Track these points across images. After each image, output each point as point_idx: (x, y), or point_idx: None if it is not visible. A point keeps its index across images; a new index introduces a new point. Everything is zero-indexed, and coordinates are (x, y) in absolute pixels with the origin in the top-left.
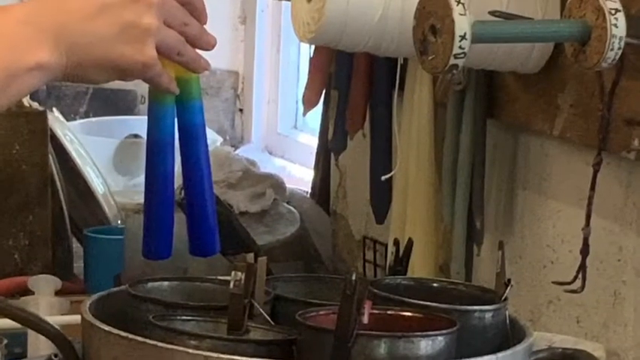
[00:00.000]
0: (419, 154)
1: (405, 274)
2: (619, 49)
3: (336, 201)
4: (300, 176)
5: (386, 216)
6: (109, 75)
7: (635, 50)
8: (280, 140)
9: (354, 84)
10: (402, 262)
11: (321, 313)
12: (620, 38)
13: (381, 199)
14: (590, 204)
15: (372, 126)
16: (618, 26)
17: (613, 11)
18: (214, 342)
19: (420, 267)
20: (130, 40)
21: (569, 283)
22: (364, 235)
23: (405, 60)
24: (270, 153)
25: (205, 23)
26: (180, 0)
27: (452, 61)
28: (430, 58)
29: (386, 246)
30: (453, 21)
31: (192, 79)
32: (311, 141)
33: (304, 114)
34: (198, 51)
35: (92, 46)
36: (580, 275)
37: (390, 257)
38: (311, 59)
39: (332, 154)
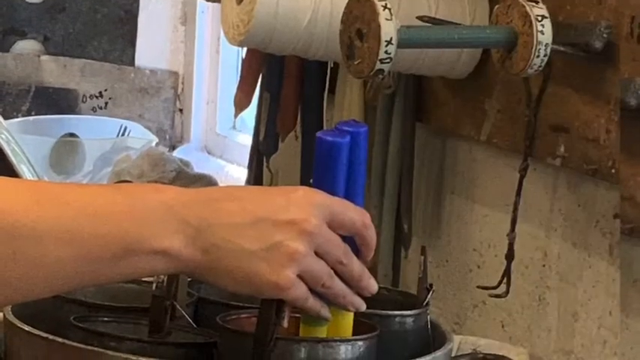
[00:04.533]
0: None
1: None
2: (545, 55)
3: None
4: (237, 176)
5: None
6: (240, 287)
7: (562, 57)
8: (219, 140)
9: (285, 86)
10: None
11: (243, 316)
12: (547, 45)
13: None
14: (515, 209)
15: (303, 128)
16: (544, 33)
17: (539, 18)
18: (134, 344)
19: None
20: (271, 260)
21: (494, 288)
22: None
23: (336, 63)
24: (209, 153)
25: (370, 257)
26: (350, 230)
27: (378, 65)
28: (356, 62)
29: None
30: (379, 26)
31: (344, 315)
32: (250, 141)
33: (235, 116)
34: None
35: (231, 255)
36: (505, 280)
37: None
38: (242, 61)
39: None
